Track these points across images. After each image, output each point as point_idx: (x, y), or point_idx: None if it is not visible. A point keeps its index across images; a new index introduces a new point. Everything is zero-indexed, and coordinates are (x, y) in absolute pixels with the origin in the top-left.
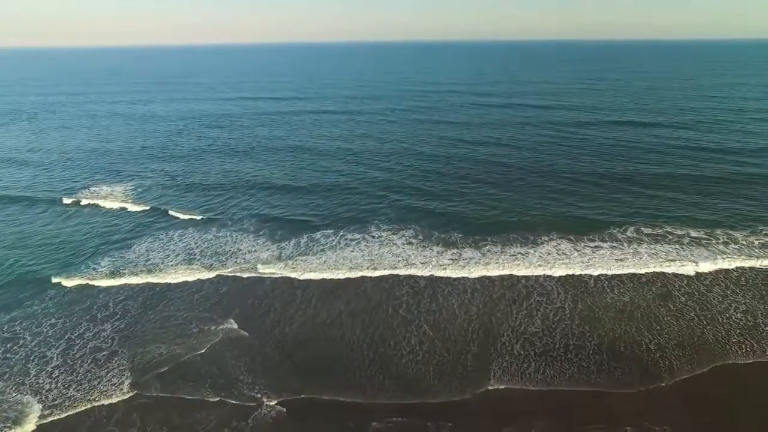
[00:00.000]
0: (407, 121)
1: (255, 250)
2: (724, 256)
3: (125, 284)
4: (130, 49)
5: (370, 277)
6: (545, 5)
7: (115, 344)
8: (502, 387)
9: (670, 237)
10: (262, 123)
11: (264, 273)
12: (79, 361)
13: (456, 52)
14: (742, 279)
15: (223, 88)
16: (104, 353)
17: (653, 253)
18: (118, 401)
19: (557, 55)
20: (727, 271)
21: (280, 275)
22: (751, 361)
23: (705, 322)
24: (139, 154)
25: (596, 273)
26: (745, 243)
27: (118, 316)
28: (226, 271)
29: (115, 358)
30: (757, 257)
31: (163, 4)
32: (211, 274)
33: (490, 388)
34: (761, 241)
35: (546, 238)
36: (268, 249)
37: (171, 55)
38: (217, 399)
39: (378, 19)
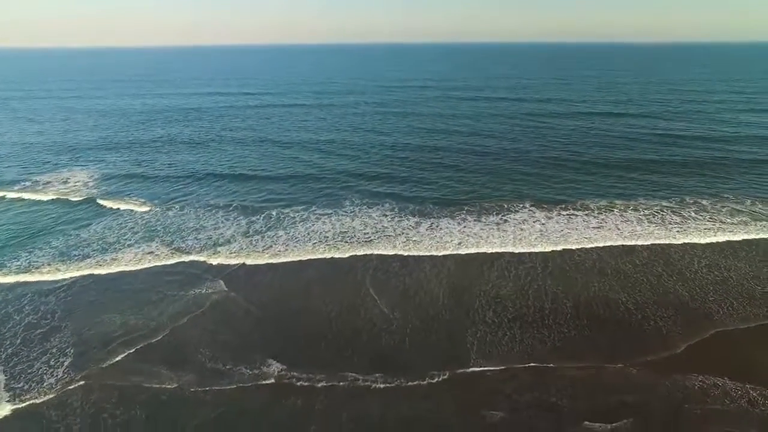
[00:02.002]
0: (381, 114)
1: (220, 227)
2: (687, 219)
3: (75, 275)
4: (127, 49)
5: (342, 246)
6: (524, 7)
7: (57, 319)
8: (483, 365)
9: (642, 206)
10: (236, 116)
11: (228, 249)
12: (10, 344)
13: (434, 53)
14: (704, 234)
15: (194, 84)
16: (43, 330)
17: (625, 220)
18: (62, 390)
19: (533, 56)
20: (692, 236)
21: (246, 251)
22: (745, 326)
23: (674, 278)
24: (98, 146)
25: (571, 237)
26: (711, 211)
27: (64, 292)
28: (188, 249)
29: (58, 335)
30: (717, 221)
31: (159, 4)
32: (173, 252)
33: (468, 369)
34: (727, 208)
35: (520, 206)
36: (237, 225)
37: (161, 55)
38: (175, 383)
39: (360, 22)
